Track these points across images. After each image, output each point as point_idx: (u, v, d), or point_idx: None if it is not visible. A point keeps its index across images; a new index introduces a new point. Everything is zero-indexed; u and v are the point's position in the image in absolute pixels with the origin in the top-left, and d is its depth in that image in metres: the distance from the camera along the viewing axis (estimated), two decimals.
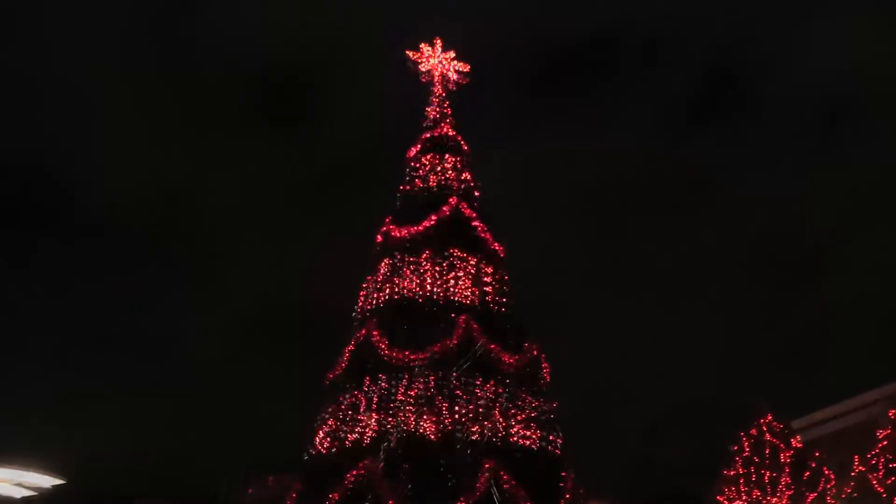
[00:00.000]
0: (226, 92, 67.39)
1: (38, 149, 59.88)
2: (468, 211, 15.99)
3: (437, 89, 18.54)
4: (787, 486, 20.93)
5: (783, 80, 62.75)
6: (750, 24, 61.21)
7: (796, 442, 22.38)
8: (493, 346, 13.82)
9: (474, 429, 12.62)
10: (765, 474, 22.51)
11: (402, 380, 13.17)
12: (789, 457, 22.36)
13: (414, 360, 13.33)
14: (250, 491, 24.50)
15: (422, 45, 18.75)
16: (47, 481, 9.11)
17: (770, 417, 23.04)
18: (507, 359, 13.82)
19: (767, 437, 22.90)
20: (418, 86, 19.00)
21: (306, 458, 13.32)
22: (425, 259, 14.94)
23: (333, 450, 12.98)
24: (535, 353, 14.56)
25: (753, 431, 23.00)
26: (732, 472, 23.17)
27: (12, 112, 57.41)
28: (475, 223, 15.88)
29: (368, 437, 12.72)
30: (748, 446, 22.83)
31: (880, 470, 16.79)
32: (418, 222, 15.58)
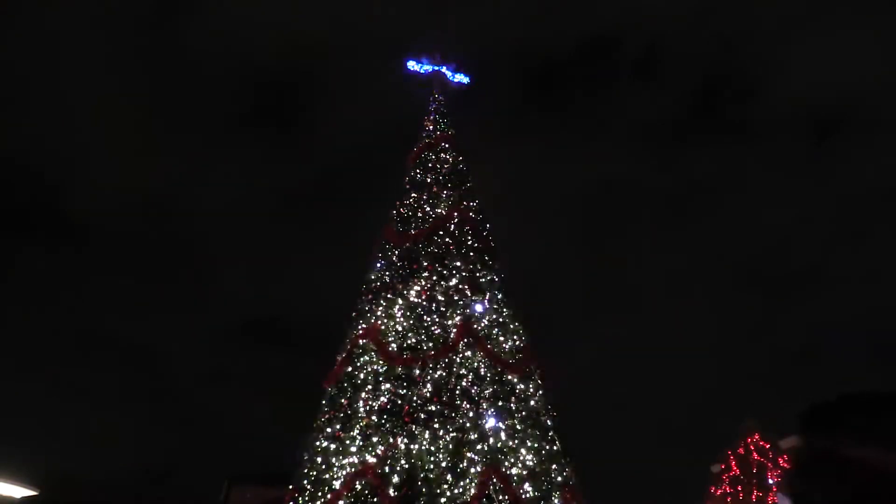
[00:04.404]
0: (217, 95, 67.04)
1: (20, 149, 58.82)
2: (468, 218, 15.95)
3: (437, 97, 18.64)
4: None
5: (772, 99, 64.11)
6: (739, 44, 62.62)
7: (784, 461, 22.33)
8: (493, 354, 13.66)
9: (475, 437, 12.39)
10: (752, 493, 22.40)
11: (402, 385, 12.91)
12: (777, 476, 22.28)
13: (414, 365, 13.10)
14: None
15: (422, 55, 18.91)
16: (18, 492, 8.71)
17: (757, 436, 22.99)
18: (508, 367, 13.65)
19: (755, 455, 22.80)
20: (416, 91, 19.07)
21: (304, 460, 12.92)
22: (426, 265, 14.80)
23: (331, 458, 12.62)
24: (534, 362, 14.43)
25: (741, 451, 22.93)
26: (719, 492, 23.05)
27: None
28: (475, 230, 15.82)
29: (367, 443, 12.42)
30: (735, 465, 22.74)
31: None
32: (418, 228, 15.51)
